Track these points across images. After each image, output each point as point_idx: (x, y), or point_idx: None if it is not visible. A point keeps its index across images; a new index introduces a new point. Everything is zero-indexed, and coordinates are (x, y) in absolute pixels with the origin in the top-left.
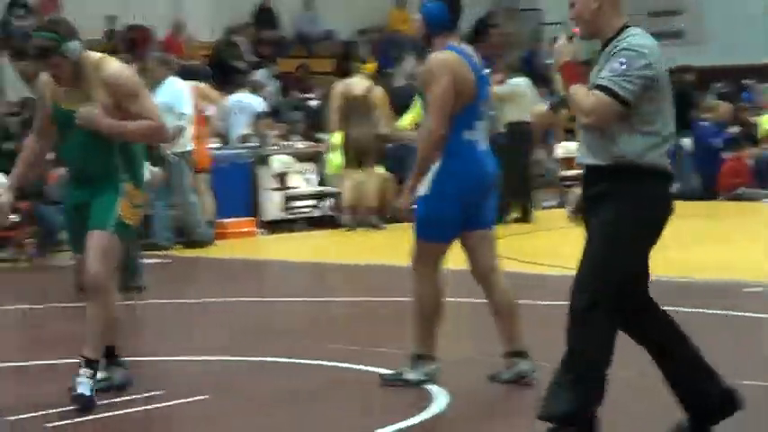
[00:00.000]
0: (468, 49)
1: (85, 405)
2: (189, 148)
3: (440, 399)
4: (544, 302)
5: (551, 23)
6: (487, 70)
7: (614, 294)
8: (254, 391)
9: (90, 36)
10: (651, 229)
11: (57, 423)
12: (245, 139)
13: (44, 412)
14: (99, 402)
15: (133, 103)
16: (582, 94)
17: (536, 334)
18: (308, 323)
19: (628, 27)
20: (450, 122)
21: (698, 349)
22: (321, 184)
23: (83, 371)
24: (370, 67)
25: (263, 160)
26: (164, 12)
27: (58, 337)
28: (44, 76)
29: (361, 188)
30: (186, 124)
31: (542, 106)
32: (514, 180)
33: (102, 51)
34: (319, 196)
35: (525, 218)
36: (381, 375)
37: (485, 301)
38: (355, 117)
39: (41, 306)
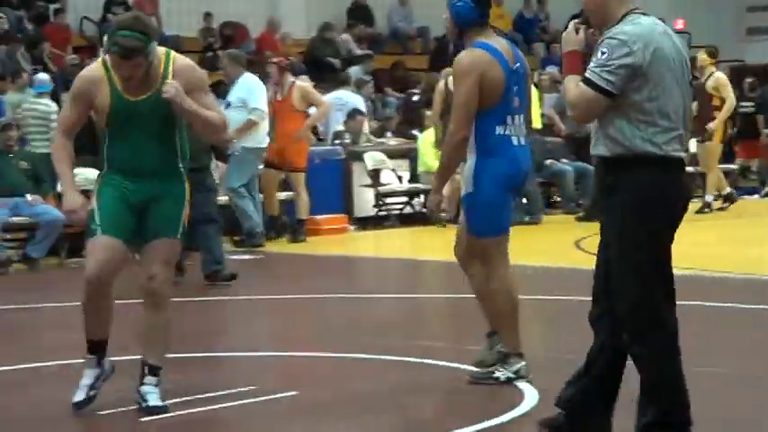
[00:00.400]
0: (502, 43)
1: (160, 413)
2: (262, 145)
3: (530, 397)
4: None
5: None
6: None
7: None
8: (344, 388)
9: (186, 33)
10: (658, 221)
11: (150, 418)
12: (338, 135)
13: (137, 407)
14: (191, 398)
15: (203, 95)
16: (570, 87)
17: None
18: (399, 320)
19: (627, 15)
20: (475, 122)
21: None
22: (413, 181)
23: (149, 379)
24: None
25: (357, 157)
26: (259, 9)
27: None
28: (91, 73)
29: (455, 185)
30: (258, 119)
31: None
32: None
33: (197, 48)
34: (412, 193)
35: None
36: (472, 374)
37: (571, 298)
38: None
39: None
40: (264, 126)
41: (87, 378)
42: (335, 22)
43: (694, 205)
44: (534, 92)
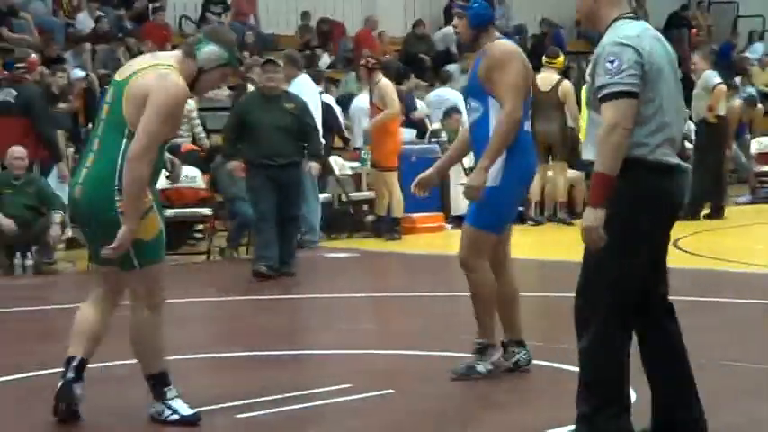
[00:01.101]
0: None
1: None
2: None
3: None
4: (733, 300)
5: (748, 16)
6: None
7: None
8: (441, 386)
9: (284, 32)
10: (644, 228)
11: (246, 414)
12: (435, 134)
13: (234, 403)
14: (284, 396)
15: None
16: (606, 116)
17: (729, 332)
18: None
19: (617, 20)
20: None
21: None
22: None
23: None
24: (560, 61)
25: None
26: (357, 7)
27: (248, 329)
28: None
29: (549, 183)
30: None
31: (737, 100)
32: (706, 176)
33: (295, 46)
34: None
35: (716, 214)
36: (453, 370)
37: (684, 297)
38: (543, 112)
39: (232, 298)
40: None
41: None
42: (432, 21)
43: None
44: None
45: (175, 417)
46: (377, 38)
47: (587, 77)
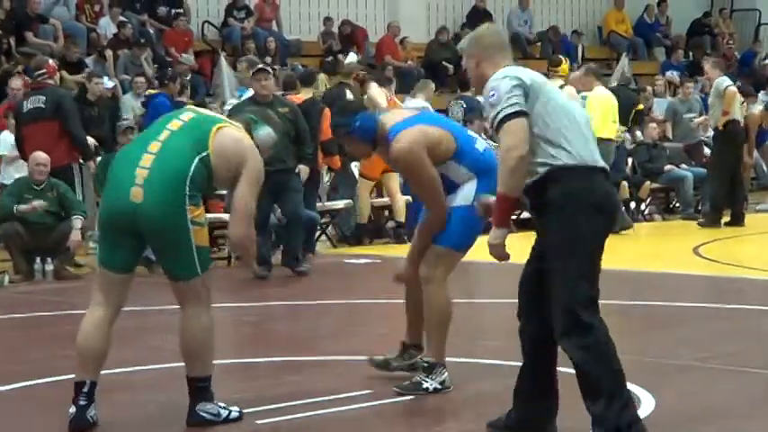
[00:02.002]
0: None
1: None
2: None
3: (646, 403)
4: (754, 307)
5: None
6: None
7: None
8: (457, 392)
9: (306, 37)
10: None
11: (266, 420)
12: None
13: (254, 410)
14: (306, 401)
15: None
16: (505, 144)
17: (749, 340)
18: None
19: None
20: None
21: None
22: None
23: None
24: (564, 68)
25: None
26: (379, 13)
27: (267, 335)
28: None
29: None
30: None
31: (758, 106)
32: (724, 182)
33: (318, 52)
34: None
35: (736, 221)
36: (397, 386)
37: (689, 304)
38: None
39: (252, 304)
40: None
41: None
42: (456, 27)
43: None
44: (608, 98)
45: (226, 413)
46: (399, 44)
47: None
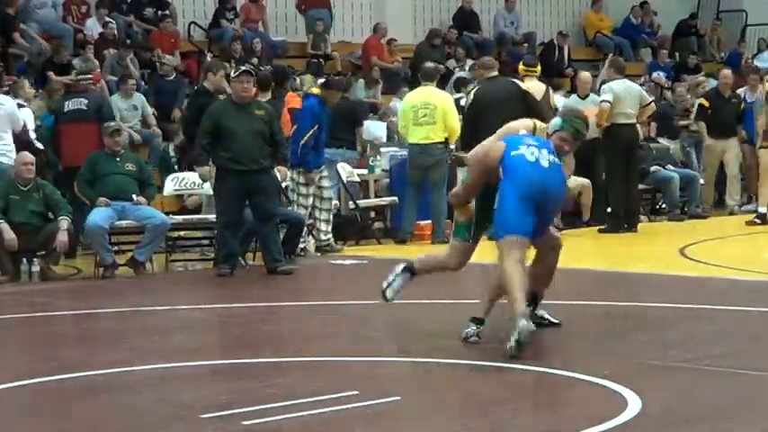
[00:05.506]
0: None
1: None
2: None
3: (633, 404)
4: (741, 308)
5: (756, 24)
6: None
7: None
8: (446, 394)
9: (293, 38)
10: None
11: (253, 421)
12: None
13: (240, 410)
14: (293, 402)
15: None
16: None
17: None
18: (501, 327)
19: None
20: None
21: None
22: None
23: None
24: (539, 69)
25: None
26: (366, 15)
27: (255, 336)
28: None
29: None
30: None
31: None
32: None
33: (304, 53)
34: None
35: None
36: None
37: (675, 305)
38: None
39: (239, 305)
40: None
41: None
42: (442, 28)
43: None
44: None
45: None
46: (386, 45)
47: None
